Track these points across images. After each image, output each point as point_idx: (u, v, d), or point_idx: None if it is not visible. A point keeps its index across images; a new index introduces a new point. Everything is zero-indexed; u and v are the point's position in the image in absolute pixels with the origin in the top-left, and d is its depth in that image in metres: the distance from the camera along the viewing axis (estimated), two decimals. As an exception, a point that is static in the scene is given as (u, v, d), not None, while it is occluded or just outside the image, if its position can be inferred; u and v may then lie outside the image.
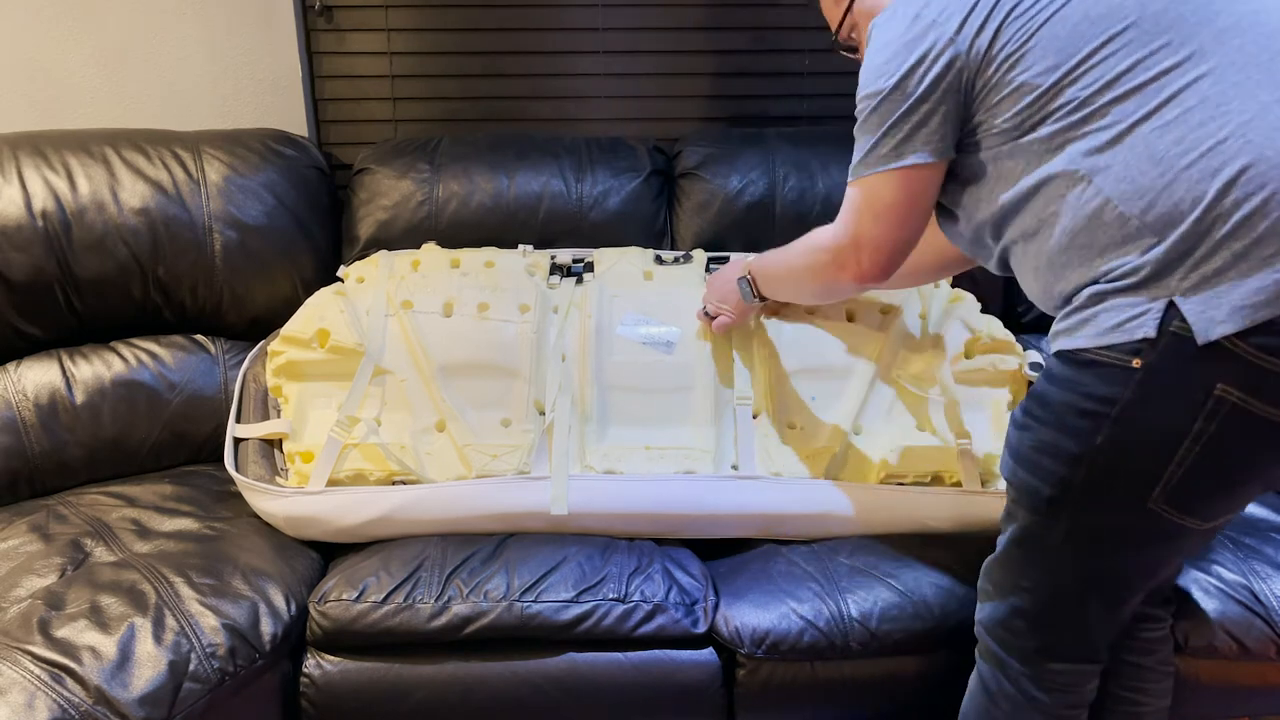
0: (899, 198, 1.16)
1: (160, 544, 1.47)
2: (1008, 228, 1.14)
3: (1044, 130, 1.06)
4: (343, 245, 1.92)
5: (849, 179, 1.20)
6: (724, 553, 1.54)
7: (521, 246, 1.82)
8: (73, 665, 1.18)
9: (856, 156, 1.18)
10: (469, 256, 1.75)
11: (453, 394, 1.58)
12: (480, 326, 1.63)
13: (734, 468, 1.54)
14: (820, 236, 1.29)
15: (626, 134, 2.06)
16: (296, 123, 2.04)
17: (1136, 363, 0.98)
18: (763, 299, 1.52)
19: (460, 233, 1.86)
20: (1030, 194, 1.09)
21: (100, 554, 1.44)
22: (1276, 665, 1.39)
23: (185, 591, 1.33)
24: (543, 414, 1.57)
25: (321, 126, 2.09)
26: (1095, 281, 1.03)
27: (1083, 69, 1.03)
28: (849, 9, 1.31)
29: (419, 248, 1.83)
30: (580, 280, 1.74)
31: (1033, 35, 1.06)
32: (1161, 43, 1.01)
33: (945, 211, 1.24)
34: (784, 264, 1.42)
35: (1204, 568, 1.43)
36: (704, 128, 2.06)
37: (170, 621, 1.27)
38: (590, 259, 1.79)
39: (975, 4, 1.08)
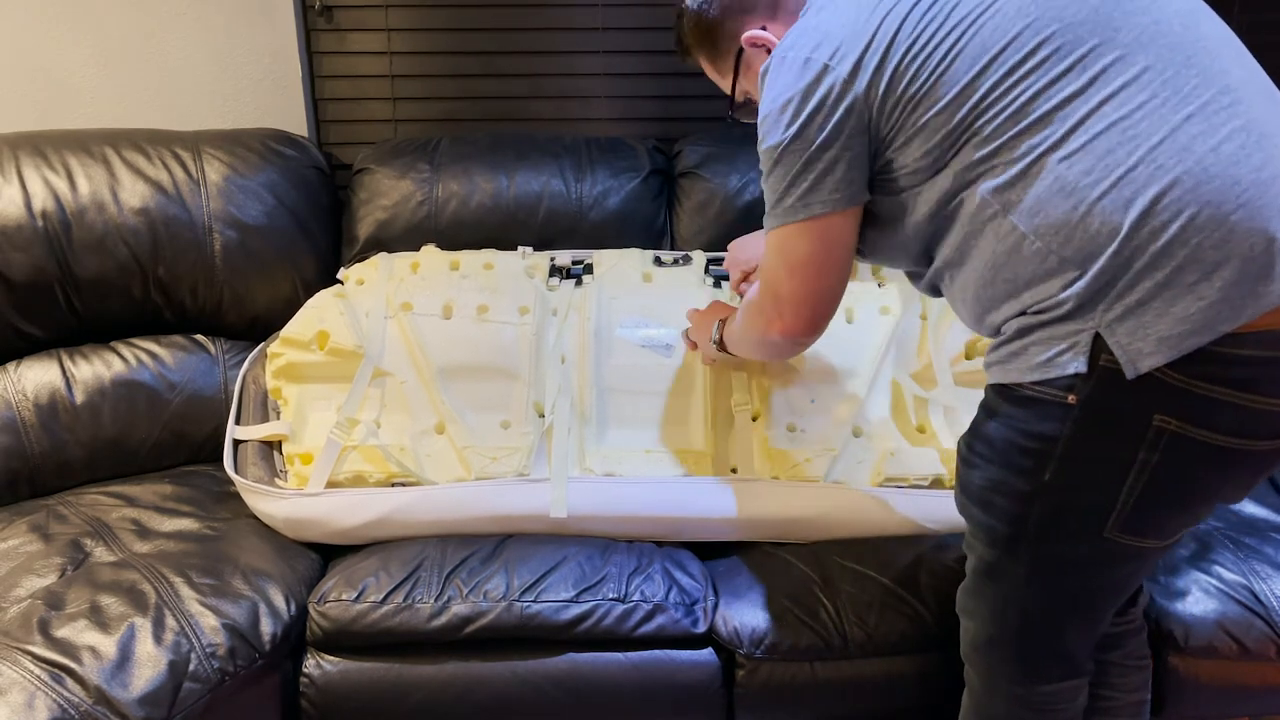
0: (814, 249, 1.11)
1: (160, 544, 1.47)
2: (933, 260, 1.12)
3: (956, 166, 1.03)
4: (343, 245, 1.92)
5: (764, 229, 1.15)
6: (723, 552, 1.54)
7: (521, 249, 1.82)
8: (73, 665, 1.19)
9: (767, 208, 1.13)
10: (468, 258, 1.75)
11: (452, 396, 1.58)
12: (480, 328, 1.63)
13: (733, 470, 1.54)
14: (750, 293, 1.24)
15: (626, 134, 2.06)
16: (296, 123, 2.04)
17: (1072, 399, 0.96)
18: (726, 351, 1.44)
19: (460, 233, 1.86)
20: (949, 229, 1.06)
21: (100, 554, 1.44)
22: (1276, 665, 1.38)
23: (185, 591, 1.33)
24: (542, 416, 1.57)
25: (321, 126, 2.09)
26: (1023, 313, 1.00)
27: (987, 103, 0.99)
28: (736, 72, 1.25)
29: (419, 248, 1.83)
30: (579, 282, 1.74)
31: (934, 73, 1.02)
32: (1063, 68, 0.97)
33: (871, 245, 1.19)
34: (736, 324, 1.33)
35: (1204, 568, 1.43)
36: (704, 128, 2.06)
37: (170, 621, 1.27)
38: (589, 261, 1.79)
39: (870, 44, 1.03)
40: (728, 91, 1.29)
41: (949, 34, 1.01)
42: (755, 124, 1.13)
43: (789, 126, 1.06)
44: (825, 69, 1.04)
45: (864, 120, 1.05)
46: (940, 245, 1.09)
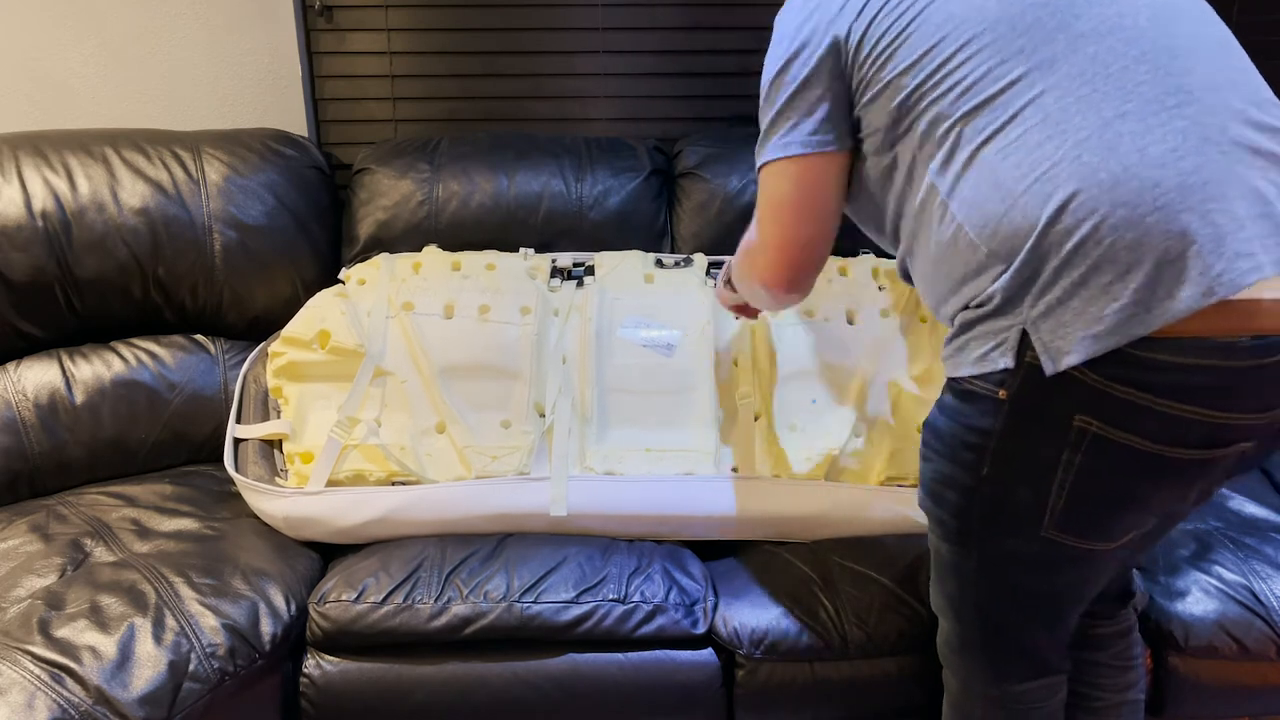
0: (792, 191, 1.10)
1: (160, 544, 1.47)
2: (898, 243, 1.12)
3: (910, 139, 1.03)
4: (343, 245, 1.91)
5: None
6: (724, 552, 1.54)
7: (523, 250, 1.82)
8: (73, 665, 1.19)
9: (758, 143, 1.14)
10: (470, 259, 1.75)
11: (453, 396, 1.58)
12: (481, 328, 1.63)
13: (734, 469, 1.54)
14: (744, 238, 1.25)
15: (626, 134, 2.06)
16: (296, 123, 2.04)
17: (1003, 394, 0.96)
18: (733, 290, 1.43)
19: (460, 233, 1.86)
20: (903, 214, 1.07)
21: (100, 554, 1.44)
22: (1276, 665, 1.39)
23: (185, 591, 1.33)
24: (543, 416, 1.57)
25: (321, 126, 2.09)
26: (965, 307, 1.00)
27: (942, 73, 0.99)
28: None
29: (419, 248, 1.83)
30: (581, 283, 1.74)
31: (902, 32, 1.01)
32: (1015, 49, 0.96)
33: (853, 209, 1.20)
34: (736, 261, 1.33)
35: (1204, 568, 1.43)
36: (704, 128, 2.06)
37: (170, 621, 1.27)
38: (591, 262, 1.79)
39: None
40: None
41: None
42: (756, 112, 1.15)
43: (779, 61, 1.09)
44: (817, 6, 1.07)
45: (841, 63, 1.06)
46: (900, 229, 1.09)
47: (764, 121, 1.12)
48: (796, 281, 1.16)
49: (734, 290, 1.44)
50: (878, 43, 1.03)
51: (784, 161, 1.10)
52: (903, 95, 1.02)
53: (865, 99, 1.06)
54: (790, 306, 1.27)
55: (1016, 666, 1.13)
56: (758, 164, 1.14)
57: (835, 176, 1.11)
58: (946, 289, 1.02)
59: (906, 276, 1.16)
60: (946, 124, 0.99)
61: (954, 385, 1.03)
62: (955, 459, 1.03)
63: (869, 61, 1.04)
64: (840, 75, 1.07)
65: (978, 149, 0.96)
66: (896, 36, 1.02)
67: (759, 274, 1.17)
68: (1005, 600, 1.09)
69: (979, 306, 0.98)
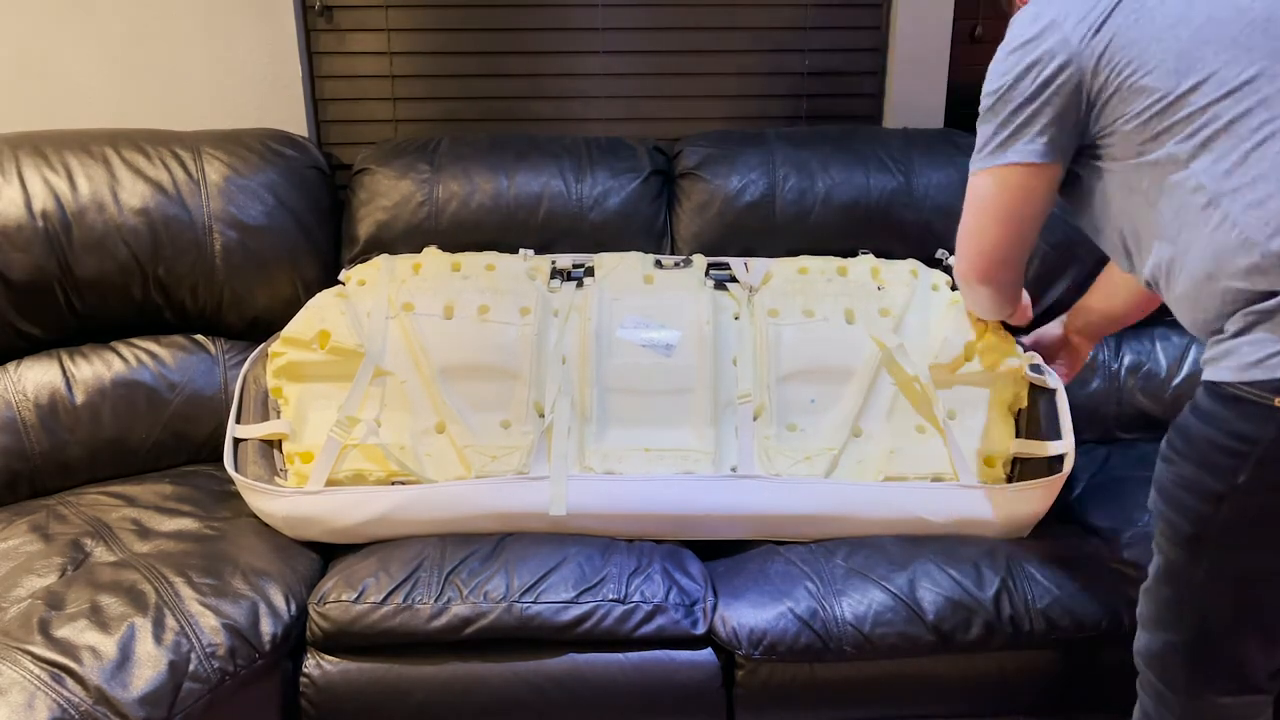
0: (997, 195, 1.18)
1: (160, 544, 1.47)
2: (1145, 253, 1.10)
3: (1168, 146, 1.02)
4: (343, 245, 1.91)
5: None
6: (723, 552, 1.54)
7: (522, 251, 1.82)
8: (73, 665, 1.19)
9: (973, 154, 1.20)
10: (470, 260, 1.75)
11: (453, 396, 1.59)
12: (481, 329, 1.63)
13: (733, 469, 1.54)
14: None
15: (626, 134, 2.06)
16: (296, 123, 2.04)
17: (1278, 401, 0.93)
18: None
19: (460, 233, 1.86)
20: (1161, 220, 1.05)
21: (100, 554, 1.44)
22: None
23: (185, 591, 1.33)
24: (542, 416, 1.58)
25: (321, 126, 2.09)
26: (1236, 311, 0.98)
27: (1206, 74, 0.98)
28: None
29: (419, 248, 1.83)
30: (580, 284, 1.74)
31: (1155, 38, 1.01)
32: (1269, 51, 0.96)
33: (1093, 227, 1.21)
34: None
35: None
36: (704, 128, 2.06)
37: (170, 621, 1.27)
38: (590, 264, 1.79)
39: (1096, 3, 1.07)
40: None
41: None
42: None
43: (1005, 75, 1.13)
44: (1050, 24, 1.09)
45: (1074, 80, 1.08)
46: (1152, 240, 1.08)
47: (983, 128, 1.17)
48: (989, 273, 1.27)
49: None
50: (1122, 51, 1.06)
51: (996, 169, 1.17)
52: (1157, 99, 1.03)
53: (1113, 108, 1.08)
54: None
55: (1221, 678, 1.10)
56: (973, 168, 1.20)
57: (1041, 189, 1.18)
58: (1216, 292, 1.00)
59: (1152, 287, 1.14)
60: (1215, 126, 0.99)
61: (1216, 389, 1.00)
62: (1205, 463, 1.00)
63: (1113, 71, 1.06)
64: (1070, 93, 1.10)
65: (1259, 145, 0.96)
66: (1148, 43, 1.04)
67: (961, 265, 1.31)
68: (1227, 611, 1.06)
69: (1258, 310, 0.96)
